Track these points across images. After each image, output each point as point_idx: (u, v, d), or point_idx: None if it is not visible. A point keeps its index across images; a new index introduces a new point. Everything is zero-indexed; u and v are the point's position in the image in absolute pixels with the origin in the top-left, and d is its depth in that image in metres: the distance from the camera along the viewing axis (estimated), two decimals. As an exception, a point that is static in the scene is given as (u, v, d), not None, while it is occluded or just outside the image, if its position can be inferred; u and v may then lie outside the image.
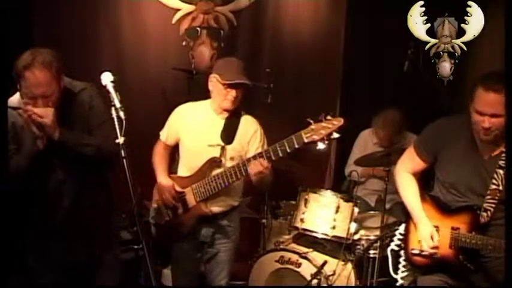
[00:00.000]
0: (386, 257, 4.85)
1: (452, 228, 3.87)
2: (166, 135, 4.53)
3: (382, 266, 5.22)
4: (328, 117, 3.94)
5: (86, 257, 3.85)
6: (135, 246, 5.30)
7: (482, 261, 3.85)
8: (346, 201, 5.27)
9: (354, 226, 5.27)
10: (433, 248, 3.88)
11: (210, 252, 4.48)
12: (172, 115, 4.52)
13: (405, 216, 4.11)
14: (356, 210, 5.30)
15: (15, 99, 3.68)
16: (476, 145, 3.77)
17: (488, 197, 3.76)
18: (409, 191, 4.07)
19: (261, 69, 6.32)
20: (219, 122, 4.38)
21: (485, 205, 3.78)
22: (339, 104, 6.71)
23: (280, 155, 4.05)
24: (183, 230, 4.41)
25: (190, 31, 6.40)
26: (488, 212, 3.77)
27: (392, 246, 4.16)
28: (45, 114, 3.48)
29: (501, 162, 3.72)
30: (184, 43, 6.40)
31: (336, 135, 3.93)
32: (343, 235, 5.18)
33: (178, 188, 4.38)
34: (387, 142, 6.02)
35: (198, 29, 6.42)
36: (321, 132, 3.91)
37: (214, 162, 4.30)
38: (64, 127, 3.58)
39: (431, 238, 3.89)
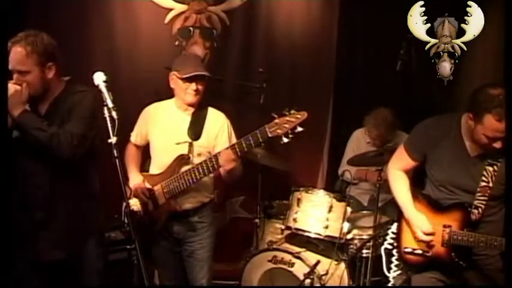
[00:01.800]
0: (380, 256, 4.88)
1: (444, 226, 3.90)
2: (135, 136, 4.65)
3: (375, 265, 5.23)
4: (292, 111, 4.00)
5: (66, 251, 3.83)
6: (128, 246, 5.30)
7: (474, 258, 3.88)
8: (339, 200, 5.28)
9: (346, 226, 5.27)
10: (428, 234, 3.91)
11: (186, 249, 4.55)
12: (140, 116, 4.64)
13: (398, 215, 4.13)
14: (349, 209, 5.31)
15: None
16: (463, 143, 3.82)
17: (479, 194, 3.80)
18: (400, 187, 4.11)
19: (253, 68, 6.32)
20: (185, 119, 4.46)
21: (476, 202, 3.82)
22: (331, 103, 6.70)
23: (246, 149, 4.13)
24: (155, 226, 4.49)
25: (183, 31, 6.39)
26: (479, 209, 3.81)
27: (386, 245, 4.18)
28: (8, 88, 3.56)
29: (490, 160, 3.76)
30: (177, 43, 6.38)
31: (299, 129, 3.97)
32: (336, 235, 5.19)
33: (148, 186, 4.45)
34: (380, 141, 6.02)
35: (191, 28, 6.40)
36: (284, 126, 3.97)
37: (182, 159, 4.38)
38: (46, 119, 3.65)
39: (425, 226, 3.92)
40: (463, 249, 3.84)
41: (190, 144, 4.40)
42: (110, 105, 3.36)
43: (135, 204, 4.50)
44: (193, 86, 4.36)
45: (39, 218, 3.76)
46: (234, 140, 4.42)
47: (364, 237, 5.40)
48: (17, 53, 3.61)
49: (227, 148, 4.19)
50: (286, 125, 3.96)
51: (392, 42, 5.52)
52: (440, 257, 3.92)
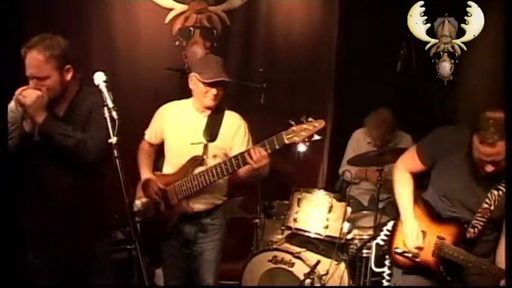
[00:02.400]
0: (380, 256, 4.87)
1: (438, 237, 3.89)
2: (150, 134, 4.59)
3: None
4: (310, 119, 3.93)
5: (77, 254, 3.84)
6: (128, 246, 5.30)
7: (461, 275, 3.87)
8: (339, 200, 5.27)
9: (347, 226, 5.27)
10: (416, 248, 3.91)
11: (195, 250, 4.51)
12: (156, 115, 4.57)
13: (396, 214, 4.13)
14: (349, 209, 5.30)
15: None
16: (474, 160, 3.72)
17: (479, 214, 3.78)
18: (403, 188, 4.09)
19: (253, 69, 6.32)
20: (202, 120, 4.41)
21: (474, 221, 3.81)
22: (331, 103, 6.71)
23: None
24: (166, 227, 4.45)
25: (183, 31, 6.40)
26: (476, 229, 3.80)
27: (378, 240, 4.18)
28: (28, 94, 3.54)
29: (497, 184, 3.72)
30: (177, 43, 6.39)
31: (317, 137, 3.93)
32: (336, 235, 5.18)
33: (160, 185, 4.40)
34: (380, 142, 6.02)
35: (191, 28, 6.41)
36: (302, 134, 3.91)
37: (196, 161, 4.33)
38: (65, 122, 3.64)
39: (416, 238, 3.92)
40: (452, 264, 3.83)
41: (205, 146, 4.35)
42: (110, 105, 3.35)
43: (141, 203, 4.49)
44: (213, 91, 4.29)
45: (58, 218, 3.78)
46: (250, 142, 4.38)
47: (365, 237, 5.39)
48: (34, 59, 3.58)
49: (248, 150, 4.09)
50: (304, 133, 3.90)
51: (393, 43, 5.52)
52: (428, 265, 3.92)
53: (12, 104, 3.63)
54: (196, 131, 4.38)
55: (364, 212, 5.88)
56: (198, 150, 4.34)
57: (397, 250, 4.02)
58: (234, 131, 4.42)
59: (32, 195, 3.81)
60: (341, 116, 6.68)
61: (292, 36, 6.56)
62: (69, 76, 3.69)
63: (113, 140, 3.30)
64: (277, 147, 3.99)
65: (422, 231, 3.94)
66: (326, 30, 6.63)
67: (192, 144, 4.35)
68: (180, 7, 6.35)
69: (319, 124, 3.92)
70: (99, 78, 3.46)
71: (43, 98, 3.56)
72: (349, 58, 6.65)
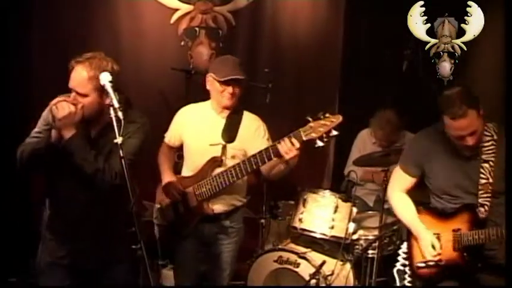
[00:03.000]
0: (385, 257, 4.89)
1: (454, 231, 3.89)
2: (169, 136, 4.60)
3: (380, 266, 5.23)
4: (327, 115, 3.94)
5: (95, 264, 3.82)
6: (133, 246, 5.29)
7: (488, 255, 3.86)
8: (345, 201, 5.27)
9: (352, 226, 5.26)
10: (436, 256, 3.92)
11: (212, 252, 4.51)
12: (175, 117, 4.58)
13: (406, 235, 4.14)
14: (354, 210, 5.30)
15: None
16: (456, 147, 3.82)
17: (481, 191, 3.80)
18: (403, 208, 4.14)
19: (259, 69, 6.32)
20: (220, 121, 4.40)
21: (480, 200, 3.82)
22: (337, 103, 6.70)
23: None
24: (186, 229, 4.44)
25: (188, 31, 6.40)
26: (485, 207, 3.81)
27: (398, 266, 4.18)
28: (62, 108, 3.50)
29: (484, 157, 3.77)
30: (182, 43, 6.40)
31: (334, 132, 3.94)
32: (342, 235, 5.18)
33: (181, 188, 4.41)
34: (385, 142, 6.01)
35: (197, 29, 6.41)
36: (319, 130, 3.92)
37: (215, 162, 4.33)
38: (94, 144, 3.61)
39: (433, 247, 3.93)
40: (475, 249, 3.83)
41: (224, 147, 4.35)
42: (116, 105, 3.35)
43: (161, 206, 4.50)
44: (230, 89, 4.28)
45: (72, 229, 3.75)
46: (270, 141, 4.36)
47: (370, 237, 5.39)
48: (78, 74, 3.52)
49: (289, 136, 4.04)
50: (321, 129, 3.91)
51: (398, 43, 5.52)
52: (454, 263, 3.90)
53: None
54: (214, 132, 4.38)
55: (370, 212, 5.88)
56: (217, 151, 4.35)
57: (419, 265, 4.00)
58: (253, 132, 4.42)
59: (50, 199, 3.80)
60: (347, 115, 6.66)
61: (297, 36, 6.55)
62: (108, 100, 3.49)
63: (118, 140, 3.30)
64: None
65: (437, 234, 3.95)
66: (331, 30, 6.63)
67: (211, 145, 4.35)
68: (186, 7, 6.36)
69: (337, 119, 3.94)
70: (105, 78, 3.46)
71: (75, 114, 3.48)
72: (355, 58, 6.65)
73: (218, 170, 4.31)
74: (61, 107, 3.50)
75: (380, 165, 5.51)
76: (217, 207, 4.41)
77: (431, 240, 3.94)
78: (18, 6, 5.76)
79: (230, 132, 4.39)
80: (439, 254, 3.91)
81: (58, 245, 3.79)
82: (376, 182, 6.00)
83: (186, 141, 4.51)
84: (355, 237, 5.36)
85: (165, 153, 4.62)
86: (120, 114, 3.33)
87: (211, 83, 4.35)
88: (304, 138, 3.94)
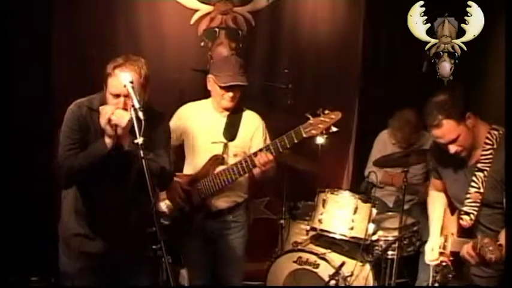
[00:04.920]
0: (405, 258, 4.87)
1: (452, 234, 3.93)
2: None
3: (400, 267, 5.22)
4: (326, 111, 4.05)
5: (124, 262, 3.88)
6: (154, 246, 5.32)
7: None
8: (364, 202, 5.26)
9: (372, 227, 5.25)
10: (433, 260, 3.98)
11: (220, 248, 4.58)
12: (174, 117, 4.63)
13: (424, 218, 4.16)
14: (374, 211, 5.29)
15: (94, 100, 3.73)
16: (458, 156, 3.77)
17: (469, 200, 3.75)
18: (431, 206, 4.20)
19: (279, 69, 6.32)
20: (221, 120, 4.46)
21: (465, 209, 3.77)
22: (357, 104, 6.69)
23: (281, 150, 4.17)
24: (191, 226, 4.51)
25: (208, 32, 6.41)
26: (471, 215, 3.74)
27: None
28: (121, 116, 3.49)
29: (479, 165, 3.71)
30: (202, 44, 6.41)
31: (334, 129, 4.02)
32: (361, 236, 5.17)
33: (183, 186, 4.46)
34: (405, 143, 5.99)
35: (217, 29, 6.42)
36: (319, 126, 4.01)
37: (217, 160, 4.41)
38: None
39: (431, 252, 3.99)
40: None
41: (225, 145, 4.42)
42: (137, 105, 3.37)
43: (165, 205, 4.53)
44: (230, 93, 4.36)
45: (104, 233, 3.82)
46: (268, 141, 4.42)
47: (390, 238, 5.38)
48: (120, 79, 3.50)
49: (262, 149, 4.20)
50: (321, 125, 3.99)
51: (419, 43, 5.48)
52: (450, 262, 3.92)
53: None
54: (216, 131, 4.44)
55: (389, 213, 5.87)
56: (219, 150, 4.42)
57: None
58: (253, 131, 4.49)
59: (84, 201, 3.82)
60: (367, 116, 6.66)
61: (317, 36, 6.54)
62: (146, 97, 3.66)
63: (139, 140, 3.31)
64: (295, 141, 4.10)
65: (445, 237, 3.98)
66: (351, 30, 6.61)
67: (213, 143, 4.42)
68: (206, 8, 6.37)
69: (336, 116, 4.03)
70: (126, 78, 3.48)
71: (131, 120, 3.45)
72: (375, 58, 6.62)
73: (220, 168, 4.38)
74: (120, 115, 3.49)
75: (400, 166, 5.50)
76: (220, 203, 4.50)
77: (432, 246, 4.00)
78: (39, 9, 5.80)
79: (231, 130, 4.47)
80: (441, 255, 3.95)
81: (88, 244, 3.81)
82: (396, 186, 5.98)
83: (187, 140, 4.56)
84: (374, 238, 5.35)
85: None
86: (140, 114, 3.35)
87: (212, 85, 4.42)
88: (305, 135, 4.06)
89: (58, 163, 3.66)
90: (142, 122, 3.32)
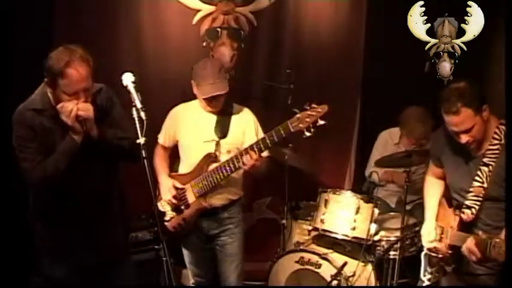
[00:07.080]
0: (407, 258, 4.86)
1: (451, 227, 3.92)
2: (164, 137, 4.70)
3: (402, 267, 5.21)
4: (313, 105, 4.07)
5: (96, 260, 3.80)
6: (156, 246, 5.33)
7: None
8: (367, 202, 5.26)
9: (374, 227, 5.25)
10: (432, 241, 3.97)
11: (217, 246, 4.64)
12: (167, 118, 4.69)
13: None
14: (376, 211, 5.29)
15: (35, 101, 3.62)
16: (465, 146, 3.75)
17: (472, 194, 3.74)
18: (427, 192, 4.20)
19: (281, 69, 6.32)
20: (212, 118, 4.54)
21: (468, 202, 3.76)
22: (359, 104, 6.68)
23: (270, 145, 4.21)
24: (187, 225, 4.55)
25: (210, 32, 6.40)
26: (473, 209, 3.74)
27: (425, 250, 4.16)
28: (86, 108, 3.46)
29: (485, 160, 3.70)
30: (204, 44, 6.40)
31: (321, 122, 4.04)
32: (363, 236, 5.17)
33: (178, 185, 4.53)
34: (424, 139, 5.75)
35: (219, 29, 6.41)
36: (306, 120, 4.04)
37: (210, 158, 4.47)
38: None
39: (428, 235, 4.00)
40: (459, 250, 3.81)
41: (217, 143, 4.47)
42: (139, 105, 3.38)
43: (164, 206, 4.56)
44: (213, 101, 4.44)
45: (79, 222, 3.73)
46: (261, 135, 4.45)
47: (392, 238, 5.37)
48: (81, 73, 3.42)
49: (250, 146, 4.24)
50: (308, 119, 4.04)
51: (420, 43, 5.49)
52: (447, 254, 3.94)
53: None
54: (207, 129, 4.51)
55: (392, 213, 5.85)
56: (211, 148, 4.47)
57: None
58: (244, 126, 4.56)
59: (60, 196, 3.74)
60: (368, 116, 6.65)
61: (319, 36, 6.54)
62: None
63: (141, 140, 3.32)
64: (284, 135, 4.13)
65: (442, 228, 3.98)
66: (354, 30, 6.60)
67: (205, 142, 4.48)
68: (208, 8, 6.36)
69: (323, 109, 4.07)
70: (128, 78, 3.49)
71: (93, 110, 3.46)
72: (377, 59, 6.61)
73: (213, 166, 4.43)
74: (85, 108, 3.45)
75: (402, 165, 5.48)
76: (215, 201, 4.53)
77: (428, 229, 4.02)
78: (39, 10, 5.80)
79: (222, 128, 4.52)
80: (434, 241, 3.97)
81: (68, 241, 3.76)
82: (396, 183, 5.95)
83: (180, 140, 4.62)
84: (376, 238, 5.35)
85: (160, 154, 4.73)
86: (142, 114, 3.35)
87: (196, 90, 4.45)
88: (292, 130, 4.09)
89: (27, 176, 3.58)
90: (145, 122, 3.32)
